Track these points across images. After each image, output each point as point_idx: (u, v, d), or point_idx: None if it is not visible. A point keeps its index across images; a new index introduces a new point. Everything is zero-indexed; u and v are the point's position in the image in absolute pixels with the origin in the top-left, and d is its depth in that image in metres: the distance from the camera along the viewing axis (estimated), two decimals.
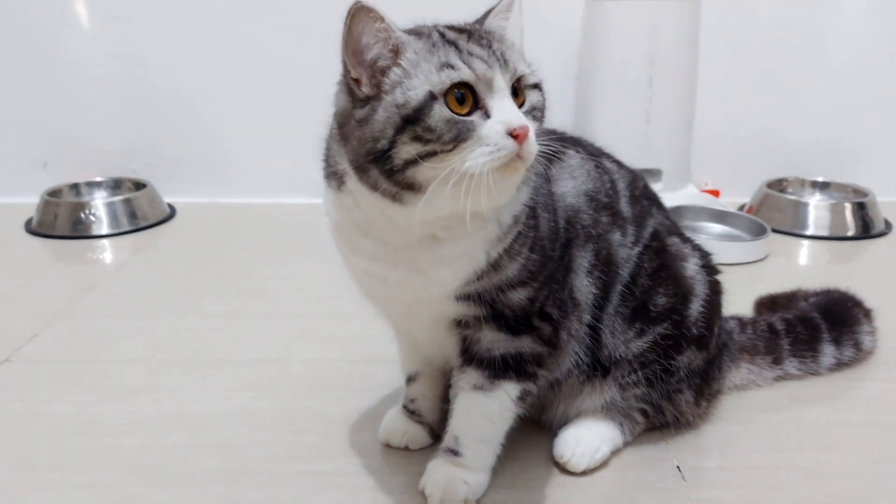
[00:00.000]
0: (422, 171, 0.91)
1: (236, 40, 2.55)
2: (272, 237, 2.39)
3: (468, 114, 0.91)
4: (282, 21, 2.52)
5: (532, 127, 0.91)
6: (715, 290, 1.27)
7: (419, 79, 0.91)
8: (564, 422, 1.26)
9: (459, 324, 1.10)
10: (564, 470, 1.21)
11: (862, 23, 2.55)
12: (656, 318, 1.20)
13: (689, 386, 1.26)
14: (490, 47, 0.94)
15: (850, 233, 2.34)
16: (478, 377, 1.11)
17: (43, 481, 1.21)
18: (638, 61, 2.20)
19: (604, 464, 1.22)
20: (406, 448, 1.27)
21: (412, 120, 0.90)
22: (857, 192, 2.46)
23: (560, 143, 1.19)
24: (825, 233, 2.33)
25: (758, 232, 2.21)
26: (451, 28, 0.98)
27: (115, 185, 2.63)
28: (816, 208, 2.36)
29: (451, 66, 0.91)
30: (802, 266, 2.22)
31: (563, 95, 2.40)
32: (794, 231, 2.34)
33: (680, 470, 1.22)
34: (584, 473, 1.20)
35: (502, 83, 0.92)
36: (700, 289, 1.24)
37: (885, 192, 2.47)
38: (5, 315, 1.82)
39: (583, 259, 1.15)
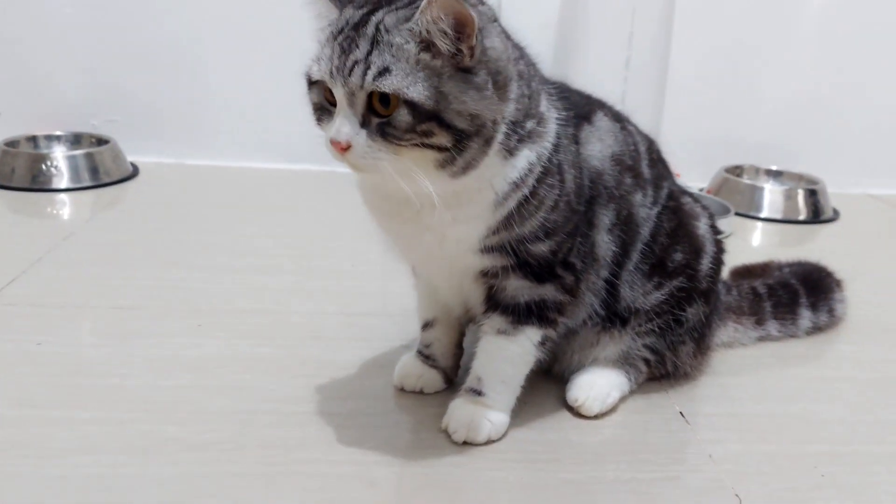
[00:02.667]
0: None
1: None
2: (244, 200, 2.35)
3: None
4: None
5: (361, 141, 0.95)
6: (720, 249, 1.34)
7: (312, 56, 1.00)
8: (577, 371, 1.30)
9: (485, 274, 1.14)
10: (577, 414, 1.26)
11: (819, 28, 2.67)
12: (672, 273, 1.27)
13: (691, 338, 1.32)
14: (348, 54, 0.95)
15: (802, 217, 2.47)
16: (501, 322, 1.15)
17: (48, 417, 1.17)
18: (616, 42, 2.26)
19: (612, 409, 1.28)
20: (420, 392, 1.29)
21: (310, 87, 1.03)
22: (809, 180, 2.60)
23: (590, 106, 1.24)
24: (779, 216, 2.46)
25: (720, 212, 2.31)
26: (358, 9, 0.98)
27: (75, 140, 2.52)
28: (771, 192, 2.49)
29: (317, 63, 0.98)
30: (757, 246, 2.34)
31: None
32: (750, 213, 2.46)
33: (683, 415, 1.28)
34: (595, 417, 1.25)
35: (341, 94, 0.96)
36: (709, 247, 1.31)
37: (833, 185, 2.59)
38: None
39: (604, 217, 1.20)
